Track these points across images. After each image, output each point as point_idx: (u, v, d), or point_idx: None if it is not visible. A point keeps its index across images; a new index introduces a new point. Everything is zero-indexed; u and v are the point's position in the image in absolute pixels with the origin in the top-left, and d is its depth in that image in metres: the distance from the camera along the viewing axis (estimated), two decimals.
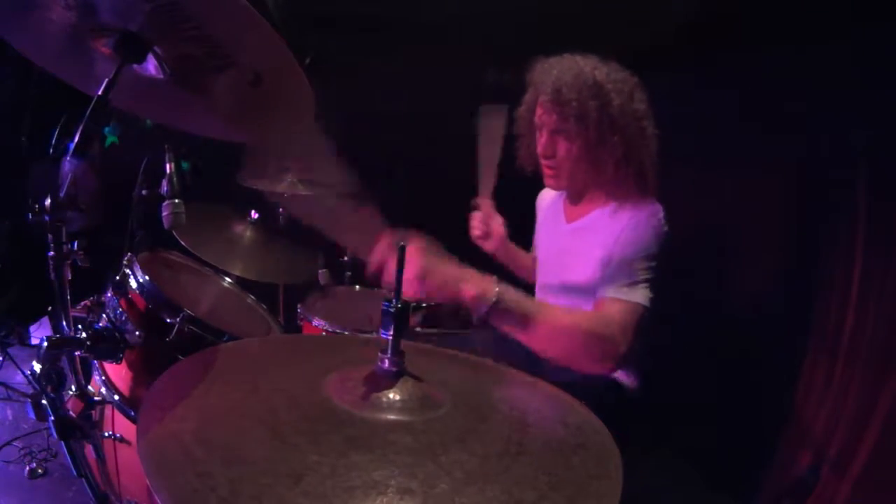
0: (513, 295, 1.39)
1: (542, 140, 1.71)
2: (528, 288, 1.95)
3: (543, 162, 1.75)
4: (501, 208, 2.08)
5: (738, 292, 2.40)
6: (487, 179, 1.96)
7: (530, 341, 1.38)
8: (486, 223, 2.03)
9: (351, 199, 1.56)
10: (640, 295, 1.54)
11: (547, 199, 2.00)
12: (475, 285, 1.35)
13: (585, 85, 1.60)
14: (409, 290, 1.30)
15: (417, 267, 1.30)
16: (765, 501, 2.14)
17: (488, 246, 2.06)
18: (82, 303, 1.83)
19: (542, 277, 1.92)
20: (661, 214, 1.64)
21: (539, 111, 1.72)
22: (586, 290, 1.65)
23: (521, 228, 2.11)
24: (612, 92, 1.60)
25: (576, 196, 1.83)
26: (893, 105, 1.78)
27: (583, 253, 1.71)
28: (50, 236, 1.06)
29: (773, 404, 2.13)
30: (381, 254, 1.35)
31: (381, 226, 1.39)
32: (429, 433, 0.84)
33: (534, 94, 1.75)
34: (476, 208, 2.04)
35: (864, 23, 1.84)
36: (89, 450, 1.17)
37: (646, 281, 1.56)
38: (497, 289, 1.37)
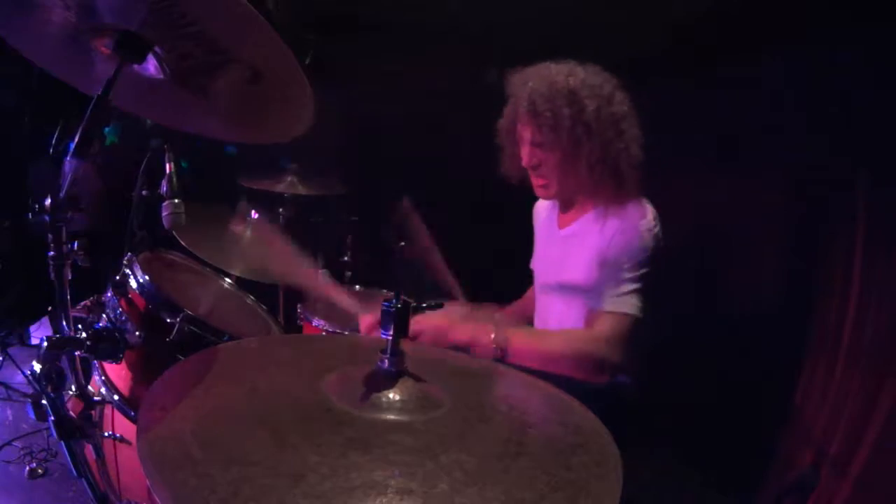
0: (507, 334, 1.53)
1: (524, 153, 1.74)
2: None
3: (531, 174, 1.77)
4: (497, 209, 2.08)
5: (738, 292, 2.40)
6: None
7: (531, 364, 1.44)
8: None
9: None
10: (631, 305, 1.58)
11: (543, 207, 2.03)
12: (471, 334, 1.50)
13: (559, 94, 1.62)
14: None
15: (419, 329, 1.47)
16: (765, 501, 2.14)
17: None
18: (82, 303, 1.83)
19: (540, 279, 1.96)
20: (651, 216, 1.65)
21: (519, 124, 1.75)
22: (582, 290, 1.69)
23: (522, 238, 2.11)
24: (587, 98, 1.61)
25: (566, 203, 1.86)
26: (893, 105, 1.78)
27: (575, 257, 1.74)
28: (50, 236, 1.05)
29: (773, 404, 2.13)
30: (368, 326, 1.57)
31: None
32: (429, 433, 0.84)
33: (513, 106, 1.78)
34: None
35: (864, 23, 1.84)
36: (89, 450, 1.17)
37: (636, 290, 1.59)
38: (493, 335, 1.51)
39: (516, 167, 1.82)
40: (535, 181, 1.78)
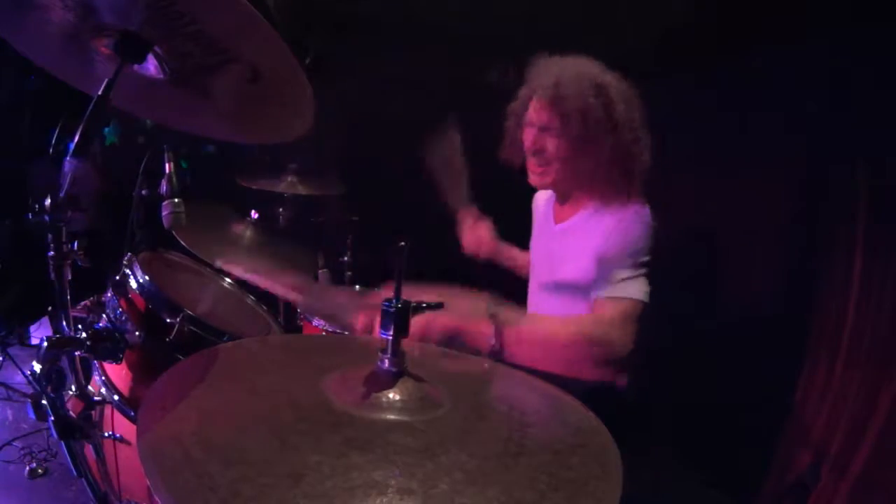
0: (509, 318, 1.45)
1: (530, 136, 1.71)
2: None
3: (530, 158, 1.74)
4: (496, 208, 2.08)
5: (738, 292, 2.40)
6: (456, 192, 2.02)
7: (533, 361, 1.39)
8: (473, 234, 2.07)
9: None
10: (636, 290, 1.57)
11: (541, 200, 2.01)
12: (473, 327, 1.42)
13: (588, 84, 1.61)
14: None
15: (418, 327, 1.36)
16: (765, 501, 2.14)
17: (483, 255, 2.09)
18: (82, 303, 1.83)
19: (536, 277, 1.94)
20: (647, 211, 1.65)
21: (532, 107, 1.72)
22: (578, 289, 1.67)
23: (520, 228, 2.12)
24: (615, 96, 1.61)
25: (563, 197, 1.84)
26: (893, 105, 1.78)
27: (571, 253, 1.73)
28: (50, 236, 1.06)
29: (772, 404, 2.13)
30: (367, 317, 1.45)
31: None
32: (429, 433, 0.84)
33: (529, 89, 1.75)
34: (461, 222, 2.09)
35: (863, 23, 1.84)
36: (89, 450, 1.17)
37: (640, 275, 1.58)
38: (493, 327, 1.43)
39: (518, 153, 1.80)
40: (534, 168, 1.75)
